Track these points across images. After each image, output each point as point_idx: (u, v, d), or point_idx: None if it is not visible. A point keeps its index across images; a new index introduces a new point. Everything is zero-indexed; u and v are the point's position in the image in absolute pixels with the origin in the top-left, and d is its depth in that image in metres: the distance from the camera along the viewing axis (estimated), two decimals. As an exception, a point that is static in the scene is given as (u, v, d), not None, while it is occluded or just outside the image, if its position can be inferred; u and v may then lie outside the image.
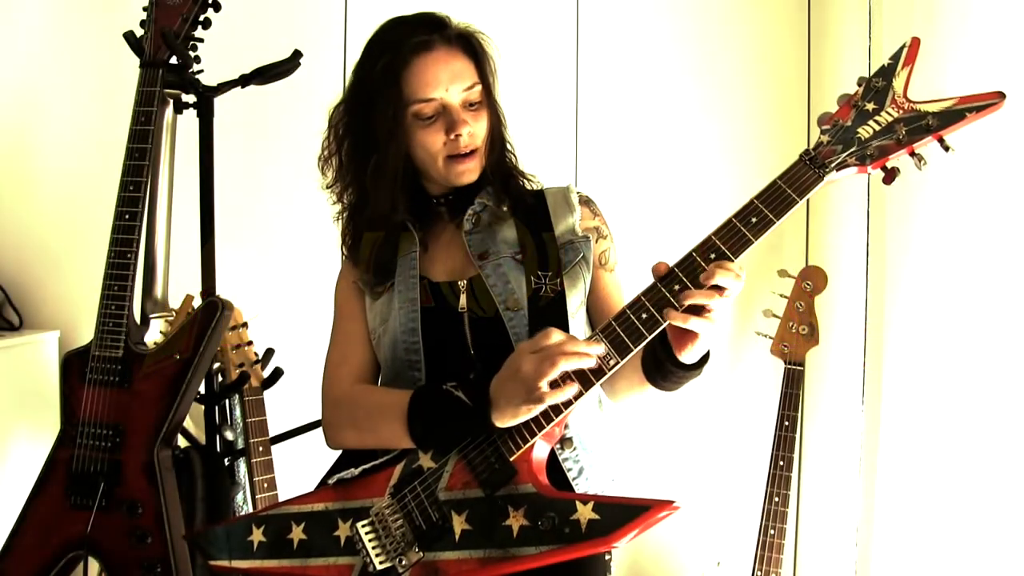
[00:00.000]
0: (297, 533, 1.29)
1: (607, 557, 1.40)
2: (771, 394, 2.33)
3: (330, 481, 1.31)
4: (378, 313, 1.43)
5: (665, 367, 1.22)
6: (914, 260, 1.96)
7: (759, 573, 2.20)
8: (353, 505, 1.27)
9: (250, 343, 2.20)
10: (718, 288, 1.11)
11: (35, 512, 1.83)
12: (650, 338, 1.14)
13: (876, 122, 1.15)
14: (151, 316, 2.07)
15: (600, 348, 1.13)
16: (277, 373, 2.20)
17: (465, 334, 1.36)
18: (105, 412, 1.81)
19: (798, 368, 2.27)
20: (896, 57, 1.18)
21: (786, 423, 2.23)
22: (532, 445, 1.17)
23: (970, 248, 1.79)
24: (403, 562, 1.19)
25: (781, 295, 2.30)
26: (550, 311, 1.33)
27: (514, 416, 1.15)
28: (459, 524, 1.17)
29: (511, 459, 1.17)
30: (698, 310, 1.12)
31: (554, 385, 1.12)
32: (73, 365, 1.87)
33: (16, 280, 2.50)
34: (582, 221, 1.44)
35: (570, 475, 1.34)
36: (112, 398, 1.82)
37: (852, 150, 1.14)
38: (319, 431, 1.45)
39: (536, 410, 1.13)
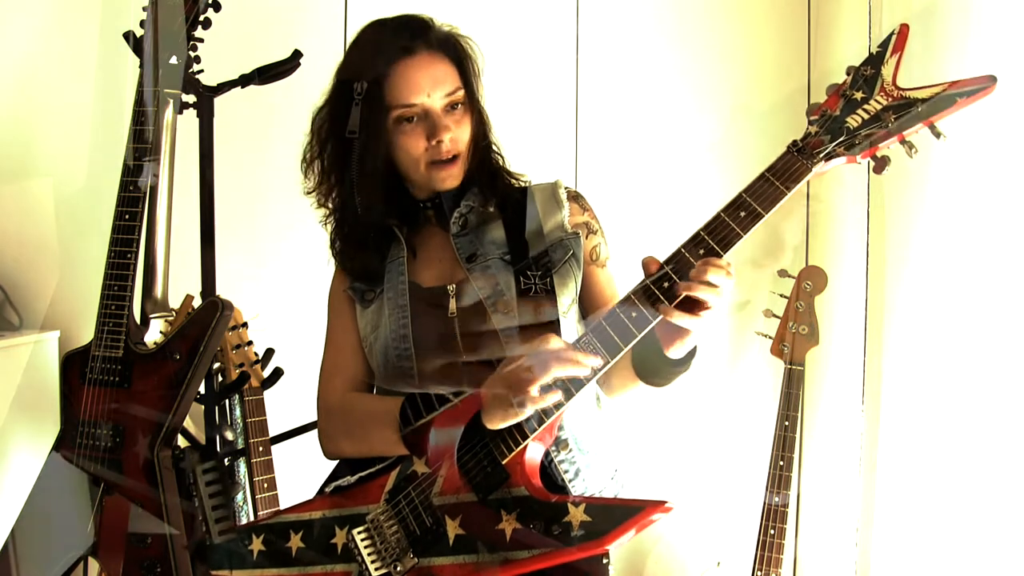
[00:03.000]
0: (295, 541, 1.29)
1: (604, 561, 1.39)
2: (771, 394, 2.33)
3: (327, 489, 1.31)
4: (369, 321, 1.42)
5: (654, 363, 1.22)
6: (914, 260, 1.95)
7: (759, 573, 2.19)
8: (349, 512, 1.27)
9: (250, 343, 2.20)
10: (708, 284, 1.11)
11: (35, 512, 1.84)
12: (640, 337, 1.14)
13: (865, 111, 1.13)
14: (151, 316, 2.07)
15: (597, 360, 1.13)
16: (277, 373, 2.20)
17: (456, 338, 1.35)
18: (105, 412, 1.82)
19: (798, 368, 2.26)
20: (885, 44, 1.16)
21: (786, 423, 2.23)
22: (524, 448, 1.17)
23: (970, 248, 1.79)
24: (399, 568, 1.19)
25: (781, 295, 2.30)
26: (540, 311, 1.32)
27: (504, 419, 1.15)
28: (453, 529, 1.17)
29: (503, 462, 1.17)
30: (689, 307, 1.12)
31: (547, 390, 1.12)
32: (73, 365, 1.87)
33: (16, 280, 2.49)
34: (571, 217, 1.42)
35: (566, 476, 1.33)
36: (112, 398, 1.82)
37: (840, 139, 1.13)
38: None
39: (525, 413, 1.13)
